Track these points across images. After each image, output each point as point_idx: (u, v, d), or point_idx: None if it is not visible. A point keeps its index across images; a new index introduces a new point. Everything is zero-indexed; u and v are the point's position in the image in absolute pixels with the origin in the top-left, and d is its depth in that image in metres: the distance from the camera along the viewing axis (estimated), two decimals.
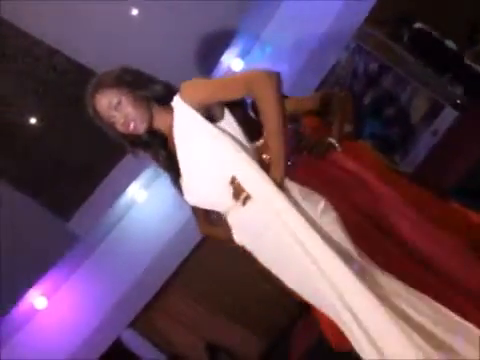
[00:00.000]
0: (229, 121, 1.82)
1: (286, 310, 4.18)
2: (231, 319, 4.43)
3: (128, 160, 4.14)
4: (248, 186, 1.76)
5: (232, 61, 4.31)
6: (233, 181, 1.78)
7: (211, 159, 1.78)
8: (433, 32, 4.37)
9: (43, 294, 4.17)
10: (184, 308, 4.48)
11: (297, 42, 4.16)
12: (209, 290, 4.48)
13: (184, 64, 4.40)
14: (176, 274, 4.32)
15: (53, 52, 4.51)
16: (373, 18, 4.11)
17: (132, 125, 1.82)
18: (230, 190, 1.79)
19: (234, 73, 3.94)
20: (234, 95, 1.80)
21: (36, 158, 4.67)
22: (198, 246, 4.22)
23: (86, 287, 4.24)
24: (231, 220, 1.86)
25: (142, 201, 4.31)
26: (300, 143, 2.40)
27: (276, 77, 1.72)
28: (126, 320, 4.30)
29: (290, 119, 2.43)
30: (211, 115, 1.81)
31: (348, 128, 2.64)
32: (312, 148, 2.38)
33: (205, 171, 1.80)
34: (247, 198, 1.77)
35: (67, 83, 4.57)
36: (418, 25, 4.42)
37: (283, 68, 4.13)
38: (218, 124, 1.81)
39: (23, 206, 4.51)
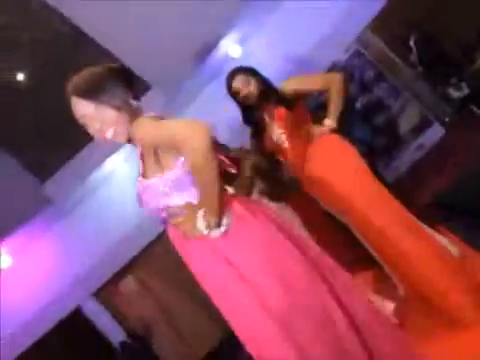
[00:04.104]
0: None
1: None
2: (197, 300, 4.42)
3: None
4: None
5: (230, 47, 4.26)
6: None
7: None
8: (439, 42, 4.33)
9: (9, 252, 4.13)
10: (151, 283, 4.46)
11: (298, 36, 4.11)
12: (178, 269, 4.45)
13: (182, 45, 4.33)
14: (146, 250, 4.30)
15: (51, 11, 4.41)
16: (377, 25, 4.10)
17: None
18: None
19: None
20: None
21: (20, 116, 4.59)
22: None
23: (53, 251, 4.20)
24: None
25: (121, 174, 4.28)
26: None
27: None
28: (89, 290, 4.28)
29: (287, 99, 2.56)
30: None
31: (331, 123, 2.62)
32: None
33: None
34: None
35: (62, 45, 4.47)
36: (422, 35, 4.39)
37: (280, 61, 4.10)
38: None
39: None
